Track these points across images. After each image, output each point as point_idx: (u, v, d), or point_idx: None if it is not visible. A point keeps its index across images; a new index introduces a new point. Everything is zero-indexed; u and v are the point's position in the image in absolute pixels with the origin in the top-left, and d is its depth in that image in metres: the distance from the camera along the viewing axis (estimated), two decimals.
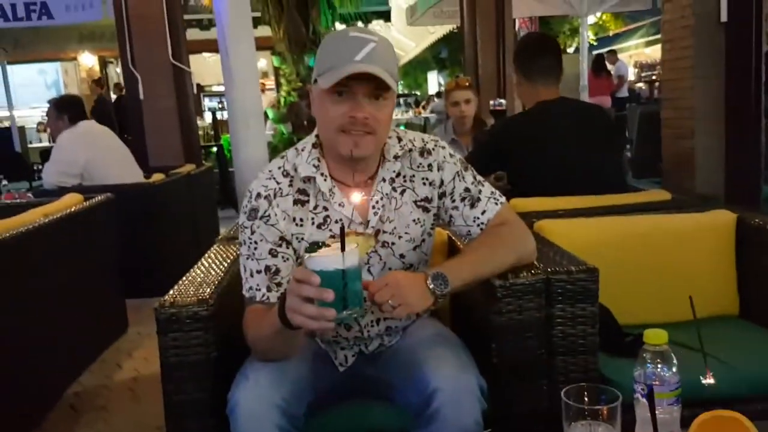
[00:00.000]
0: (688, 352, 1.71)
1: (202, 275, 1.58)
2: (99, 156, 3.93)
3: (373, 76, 1.32)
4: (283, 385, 1.33)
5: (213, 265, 1.66)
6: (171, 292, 1.46)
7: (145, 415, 2.47)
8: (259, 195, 1.44)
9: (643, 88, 12.53)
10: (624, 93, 9.92)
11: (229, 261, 1.70)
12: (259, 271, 1.41)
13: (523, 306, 1.47)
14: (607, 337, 1.62)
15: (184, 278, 1.55)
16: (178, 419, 1.39)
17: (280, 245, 1.42)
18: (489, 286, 1.48)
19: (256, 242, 1.42)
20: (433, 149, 1.53)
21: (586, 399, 1.08)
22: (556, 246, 1.71)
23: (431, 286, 1.35)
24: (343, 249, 1.14)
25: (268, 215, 1.42)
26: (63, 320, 2.61)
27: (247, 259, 1.43)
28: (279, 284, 1.41)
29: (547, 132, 2.37)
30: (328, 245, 1.18)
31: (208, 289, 1.47)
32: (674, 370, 1.06)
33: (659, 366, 1.06)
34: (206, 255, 1.76)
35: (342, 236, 1.15)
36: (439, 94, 13.22)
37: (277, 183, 1.45)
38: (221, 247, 1.84)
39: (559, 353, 1.51)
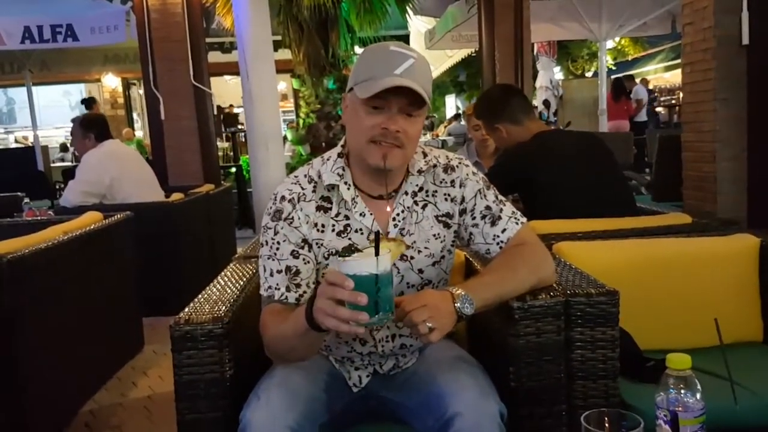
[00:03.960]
0: (713, 378, 1.67)
1: (217, 293, 1.58)
2: (124, 176, 3.97)
3: (409, 91, 1.34)
4: (295, 405, 1.32)
5: (229, 283, 1.66)
6: (186, 309, 1.46)
7: None
8: (283, 198, 1.46)
9: (663, 112, 12.47)
10: (642, 117, 9.88)
11: (245, 279, 1.70)
12: (279, 271, 1.42)
13: (542, 329, 1.45)
14: (627, 362, 1.59)
15: (199, 296, 1.55)
16: None
17: (302, 247, 1.44)
18: (507, 308, 1.45)
19: (278, 242, 1.44)
20: (457, 166, 1.54)
21: (606, 425, 1.06)
22: (575, 268, 1.68)
23: (458, 306, 1.33)
24: (377, 253, 1.15)
25: (292, 218, 1.44)
26: (80, 338, 2.62)
27: (268, 259, 1.44)
28: (298, 285, 1.42)
29: (556, 155, 2.41)
30: (361, 250, 1.20)
31: (224, 307, 1.46)
32: (698, 396, 1.03)
33: (683, 391, 1.03)
34: (222, 273, 1.76)
35: (377, 241, 1.17)
36: (456, 116, 13.24)
37: (302, 188, 1.48)
38: (238, 265, 1.84)
39: (579, 377, 1.48)
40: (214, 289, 1.61)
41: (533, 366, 1.46)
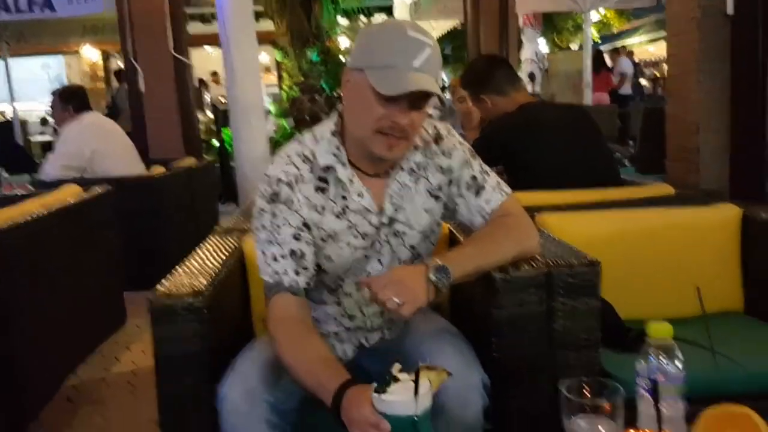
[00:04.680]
0: (694, 347, 1.68)
1: (197, 266, 1.55)
2: (104, 148, 3.90)
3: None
4: (274, 379, 1.31)
5: (209, 255, 1.64)
6: (165, 282, 1.43)
7: (142, 408, 2.45)
8: (280, 180, 1.40)
9: (647, 85, 12.47)
10: (627, 90, 9.87)
11: (227, 252, 1.67)
12: (284, 256, 1.38)
13: (524, 299, 1.45)
14: (609, 333, 1.60)
15: (179, 268, 1.53)
16: (171, 412, 1.37)
17: (303, 230, 1.40)
18: (489, 280, 1.45)
19: (279, 226, 1.39)
20: (446, 136, 1.51)
21: (586, 393, 1.06)
22: (557, 239, 1.68)
23: (433, 279, 1.32)
24: (416, 391, 1.06)
25: (291, 200, 1.40)
26: (61, 312, 2.59)
27: (268, 243, 1.39)
28: (305, 268, 1.39)
29: (541, 127, 2.39)
30: (398, 379, 1.10)
31: (204, 281, 1.44)
32: (679, 364, 1.04)
33: (663, 360, 1.04)
34: (203, 245, 1.73)
35: (417, 376, 1.08)
36: (442, 89, 13.14)
37: (298, 169, 1.42)
38: (218, 238, 1.82)
39: (561, 347, 1.48)
40: (194, 262, 1.59)
41: (515, 336, 1.46)
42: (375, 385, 1.11)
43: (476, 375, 1.36)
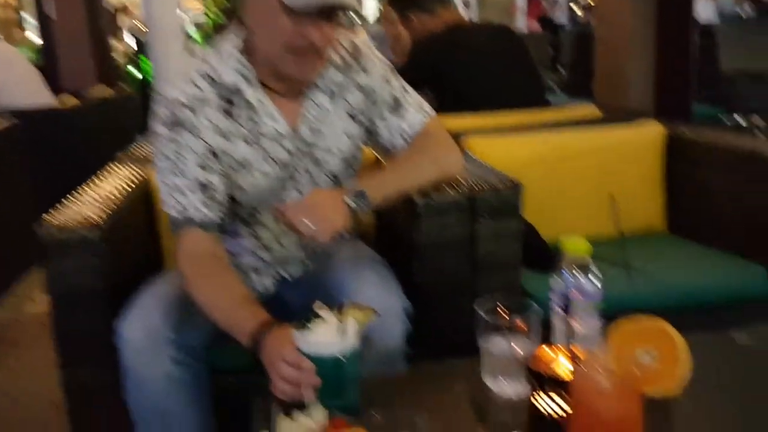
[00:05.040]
0: (614, 266, 1.69)
1: (95, 196, 1.43)
2: (9, 78, 3.60)
3: None
4: (178, 315, 1.23)
5: (110, 185, 1.51)
6: (57, 214, 1.31)
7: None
8: (180, 103, 1.27)
9: (580, 14, 12.48)
10: (561, 19, 9.84)
11: (131, 181, 1.55)
12: (190, 188, 1.27)
13: (446, 223, 1.40)
14: (532, 255, 1.58)
15: (73, 198, 1.40)
16: (69, 350, 1.28)
17: (210, 158, 1.29)
18: (411, 205, 1.39)
19: (182, 155, 1.27)
20: (364, 50, 1.40)
21: (502, 313, 1.03)
22: (480, 162, 1.63)
23: (351, 204, 1.25)
24: (342, 330, 1.00)
25: (195, 126, 1.27)
26: None
27: (172, 174, 1.27)
28: (216, 201, 1.28)
29: (470, 48, 2.31)
30: (320, 317, 1.03)
31: (102, 212, 1.33)
32: (595, 281, 1.01)
33: (579, 276, 1.01)
34: (100, 174, 1.59)
35: (340, 314, 1.02)
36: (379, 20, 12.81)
37: (200, 89, 1.28)
38: (122, 166, 1.68)
39: (483, 270, 1.45)
40: (92, 192, 1.46)
41: (437, 261, 1.42)
42: (296, 323, 1.04)
43: (398, 302, 1.31)
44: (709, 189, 1.86)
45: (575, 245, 1.01)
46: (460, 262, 1.43)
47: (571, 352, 0.70)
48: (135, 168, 1.65)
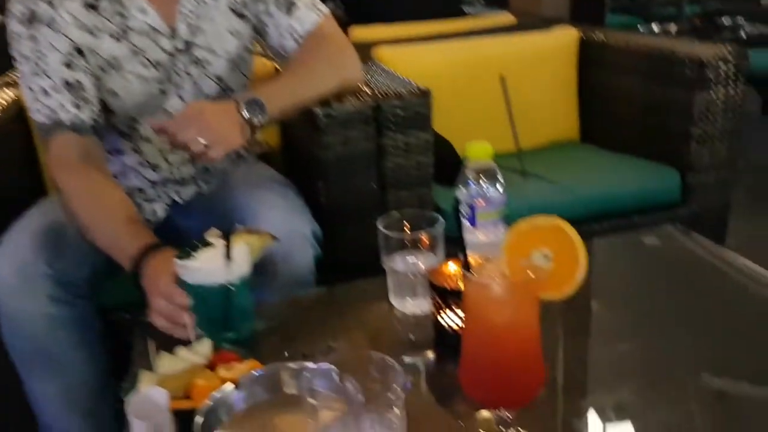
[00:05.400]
0: (535, 178, 1.66)
1: None
2: None
3: None
4: (53, 247, 1.10)
5: None
6: None
7: None
8: None
9: None
10: None
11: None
12: (56, 89, 1.13)
13: (350, 137, 1.30)
14: (445, 170, 1.51)
15: None
16: None
17: (75, 56, 1.14)
18: (312, 117, 1.28)
19: (43, 53, 1.12)
20: None
21: (405, 226, 0.96)
22: (385, 68, 1.53)
23: (246, 115, 1.12)
24: (228, 256, 0.90)
25: (54, 20, 1.12)
26: None
27: (35, 76, 1.13)
28: (87, 101, 1.15)
29: None
30: (209, 243, 0.92)
31: None
32: (499, 187, 0.95)
33: (483, 183, 0.94)
34: None
35: (227, 239, 0.90)
36: None
37: None
38: None
39: (392, 186, 1.38)
40: None
41: (343, 179, 1.33)
42: (179, 251, 0.94)
43: (304, 224, 1.22)
44: (623, 94, 1.83)
45: (478, 150, 0.94)
46: (367, 179, 1.34)
47: (465, 262, 0.64)
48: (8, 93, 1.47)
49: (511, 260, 0.59)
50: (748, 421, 0.71)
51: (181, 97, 1.23)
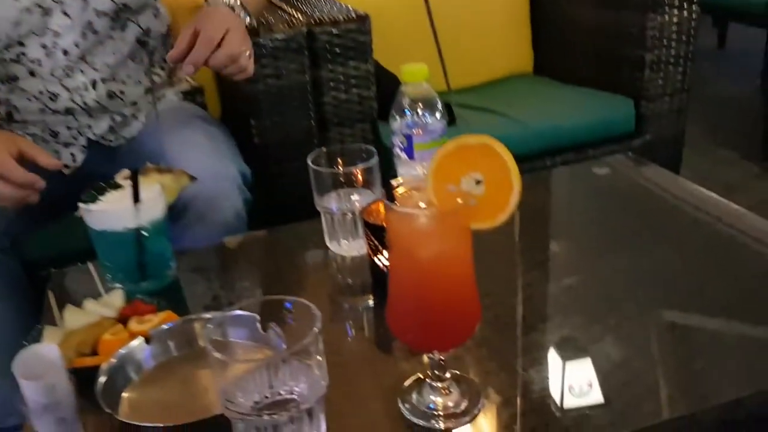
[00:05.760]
0: (484, 112, 1.58)
1: None
2: None
3: None
4: None
5: None
6: None
7: None
8: None
9: None
10: None
11: None
12: None
13: (283, 69, 1.20)
14: (390, 104, 1.42)
15: None
16: None
17: None
18: None
19: None
20: None
21: (339, 161, 0.88)
22: None
23: (247, 21, 1.06)
24: (137, 198, 0.81)
25: None
26: None
27: None
28: None
29: None
30: (120, 186, 0.83)
31: None
32: (438, 116, 0.87)
33: (420, 112, 0.86)
34: None
35: (134, 180, 0.81)
36: None
37: None
38: None
39: (333, 124, 1.28)
40: None
41: (277, 115, 1.23)
42: (84, 194, 0.85)
43: (232, 167, 1.13)
44: (576, 21, 1.75)
45: (413, 72, 0.85)
46: (304, 116, 1.25)
47: (389, 192, 0.56)
48: None
49: (437, 187, 0.52)
50: (701, 353, 0.66)
51: (66, 14, 1.10)
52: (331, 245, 0.90)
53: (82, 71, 1.14)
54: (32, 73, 1.14)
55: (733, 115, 2.76)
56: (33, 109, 1.17)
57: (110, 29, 1.14)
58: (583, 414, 0.59)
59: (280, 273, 0.90)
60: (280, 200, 1.25)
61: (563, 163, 1.49)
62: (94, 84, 1.16)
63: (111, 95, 1.19)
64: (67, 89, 1.14)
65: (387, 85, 1.41)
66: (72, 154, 1.22)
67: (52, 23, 1.09)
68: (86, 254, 0.85)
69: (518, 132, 1.53)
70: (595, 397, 0.61)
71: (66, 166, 1.21)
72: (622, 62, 1.61)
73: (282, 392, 0.56)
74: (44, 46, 1.10)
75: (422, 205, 0.54)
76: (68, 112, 1.18)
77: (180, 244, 1.02)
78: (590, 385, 0.62)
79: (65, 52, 1.11)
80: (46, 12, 1.08)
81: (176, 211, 1.08)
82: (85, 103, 1.17)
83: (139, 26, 1.16)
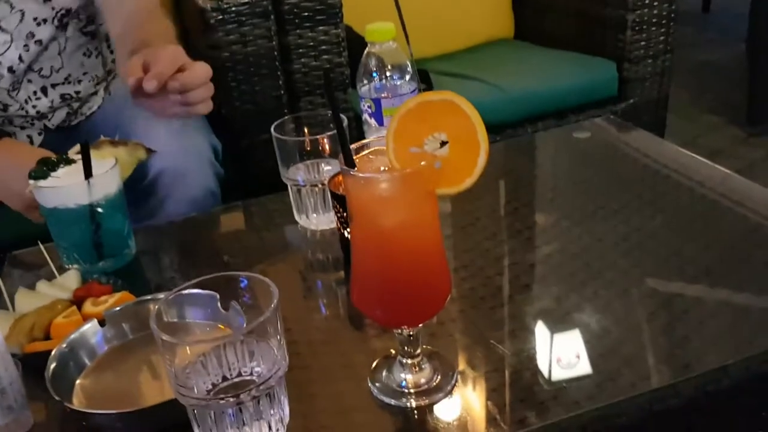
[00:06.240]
0: (466, 79, 1.54)
1: None
2: None
3: None
4: None
5: None
6: None
7: None
8: None
9: None
10: None
11: None
12: None
13: (248, 34, 1.14)
14: None
15: None
16: None
17: None
18: (200, 12, 1.12)
19: None
20: None
21: (306, 132, 0.83)
22: None
23: None
24: (89, 173, 0.76)
25: None
26: None
27: None
28: None
29: None
30: (73, 161, 0.79)
31: None
32: (407, 78, 0.82)
33: (388, 74, 0.81)
34: None
35: (85, 153, 0.75)
36: None
37: None
38: None
39: (303, 93, 1.23)
40: None
41: (244, 84, 1.18)
42: (34, 169, 0.80)
43: (200, 139, 1.08)
44: None
45: (378, 31, 0.80)
46: (272, 86, 1.20)
47: (348, 158, 0.52)
48: None
49: (398, 149, 0.48)
50: (683, 320, 0.63)
51: (3, 29, 1.03)
52: (300, 219, 0.85)
53: (30, 81, 1.08)
54: None
55: (717, 80, 2.73)
56: None
57: (53, 33, 1.07)
58: (560, 387, 0.56)
59: (247, 249, 0.86)
60: (251, 174, 1.21)
61: (545, 129, 1.45)
62: (45, 91, 1.10)
63: (64, 97, 1.13)
64: (16, 100, 1.09)
65: (360, 51, 1.35)
66: (29, 136, 1.17)
67: None
68: (48, 235, 0.81)
69: (498, 98, 1.49)
70: (574, 370, 0.58)
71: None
72: (603, 24, 1.57)
73: (242, 373, 0.53)
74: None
75: (383, 168, 0.49)
76: (20, 117, 1.12)
77: (152, 222, 0.98)
78: (569, 358, 0.59)
79: (10, 69, 1.05)
80: None
81: (145, 188, 1.04)
82: (37, 111, 1.11)
83: (81, 19, 1.09)
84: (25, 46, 1.05)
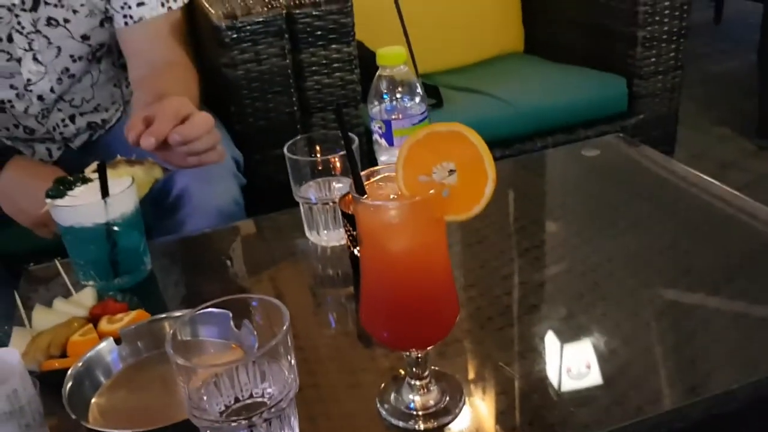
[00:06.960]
0: (475, 93, 1.55)
1: None
2: None
3: None
4: None
5: None
6: None
7: None
8: None
9: None
10: None
11: None
12: None
13: (263, 53, 1.16)
14: None
15: None
16: None
17: None
18: (216, 31, 1.13)
19: None
20: None
21: (317, 148, 0.85)
22: None
23: None
24: (105, 192, 0.77)
25: None
26: None
27: None
28: None
29: None
30: (89, 180, 0.79)
31: None
32: (418, 100, 0.83)
33: (399, 95, 0.83)
34: None
35: (102, 173, 0.77)
36: None
37: None
38: None
39: (316, 109, 1.25)
40: None
41: (258, 101, 1.19)
42: (51, 189, 0.81)
43: (226, 154, 1.09)
44: (567, 1, 1.71)
45: (389, 55, 0.82)
46: (285, 102, 1.21)
47: (358, 184, 0.53)
48: None
49: (408, 177, 0.49)
50: (693, 339, 0.64)
51: (39, 61, 1.06)
52: (311, 235, 0.87)
53: (59, 109, 1.11)
54: (2, 110, 1.10)
55: (728, 91, 2.72)
56: (5, 135, 1.13)
57: (87, 67, 1.10)
58: (568, 412, 0.57)
59: (259, 265, 0.87)
60: (263, 189, 1.22)
61: (554, 145, 1.46)
62: (73, 119, 1.13)
63: (91, 125, 1.15)
64: (44, 126, 1.11)
65: (372, 67, 1.37)
66: (48, 149, 1.19)
67: (25, 69, 1.05)
68: (63, 248, 0.83)
69: (507, 113, 1.50)
70: (582, 393, 0.58)
71: (41, 160, 1.18)
72: (613, 39, 1.57)
73: (254, 394, 0.54)
74: (13, 87, 1.06)
75: (392, 196, 0.51)
76: (45, 141, 1.15)
77: (180, 235, 0.99)
78: (577, 381, 0.59)
79: (40, 98, 1.08)
80: (17, 58, 1.04)
81: (171, 204, 1.05)
82: (63, 137, 1.14)
83: (114, 52, 1.11)
84: (59, 79, 1.08)
